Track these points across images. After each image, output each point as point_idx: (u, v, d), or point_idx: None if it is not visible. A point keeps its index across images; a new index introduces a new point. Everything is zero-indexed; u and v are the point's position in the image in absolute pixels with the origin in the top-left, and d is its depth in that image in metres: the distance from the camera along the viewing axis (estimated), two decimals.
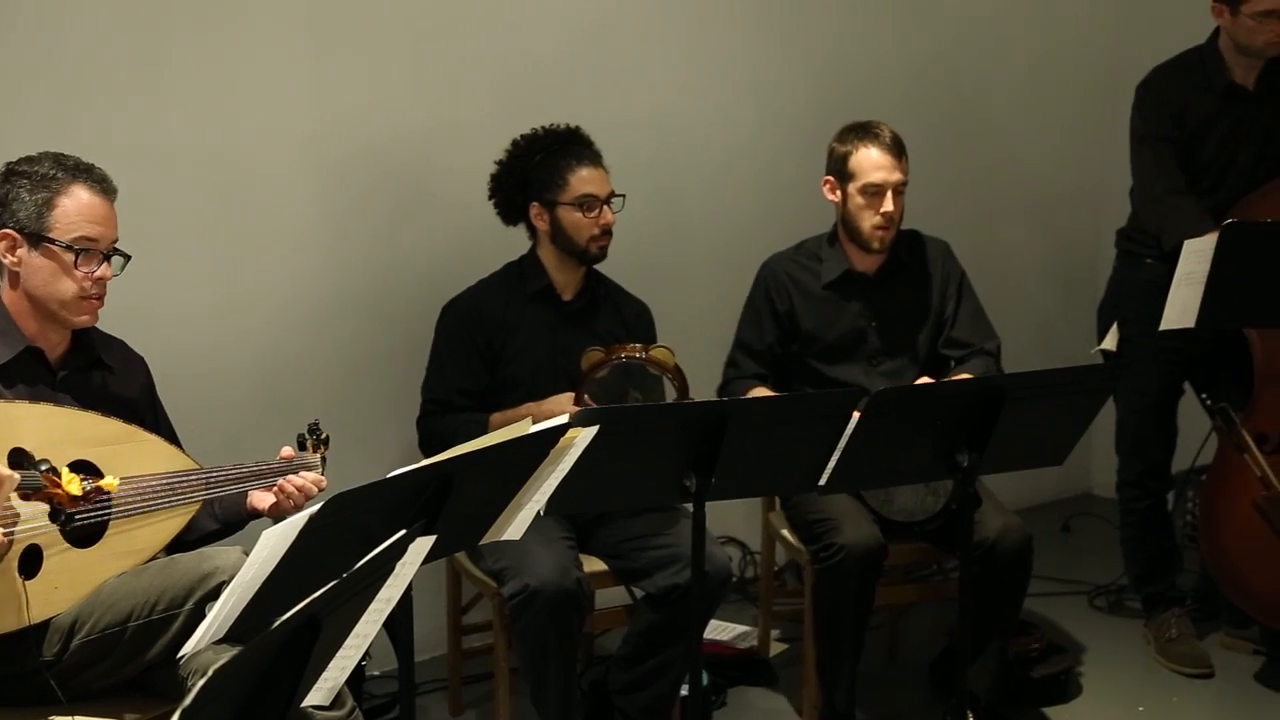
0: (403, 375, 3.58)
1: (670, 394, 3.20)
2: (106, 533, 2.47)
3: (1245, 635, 3.85)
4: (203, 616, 2.18)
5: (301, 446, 2.73)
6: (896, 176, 3.40)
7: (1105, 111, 3.92)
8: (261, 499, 2.67)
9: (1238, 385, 3.64)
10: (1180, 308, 3.06)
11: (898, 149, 3.41)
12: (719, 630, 3.90)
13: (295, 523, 1.97)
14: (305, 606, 1.61)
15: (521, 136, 3.40)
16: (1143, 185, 3.70)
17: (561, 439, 2.38)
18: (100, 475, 2.39)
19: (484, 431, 2.99)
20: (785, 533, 3.53)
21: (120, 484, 2.38)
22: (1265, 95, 3.65)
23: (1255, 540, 3.52)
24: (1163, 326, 3.11)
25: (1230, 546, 3.64)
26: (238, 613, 2.02)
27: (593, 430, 2.44)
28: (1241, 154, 3.66)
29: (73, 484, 2.30)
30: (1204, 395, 3.60)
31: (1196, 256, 3.01)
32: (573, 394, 3.19)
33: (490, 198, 3.42)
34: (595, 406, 3.12)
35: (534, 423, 2.37)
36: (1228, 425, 3.54)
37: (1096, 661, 3.86)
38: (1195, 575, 4.06)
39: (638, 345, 3.23)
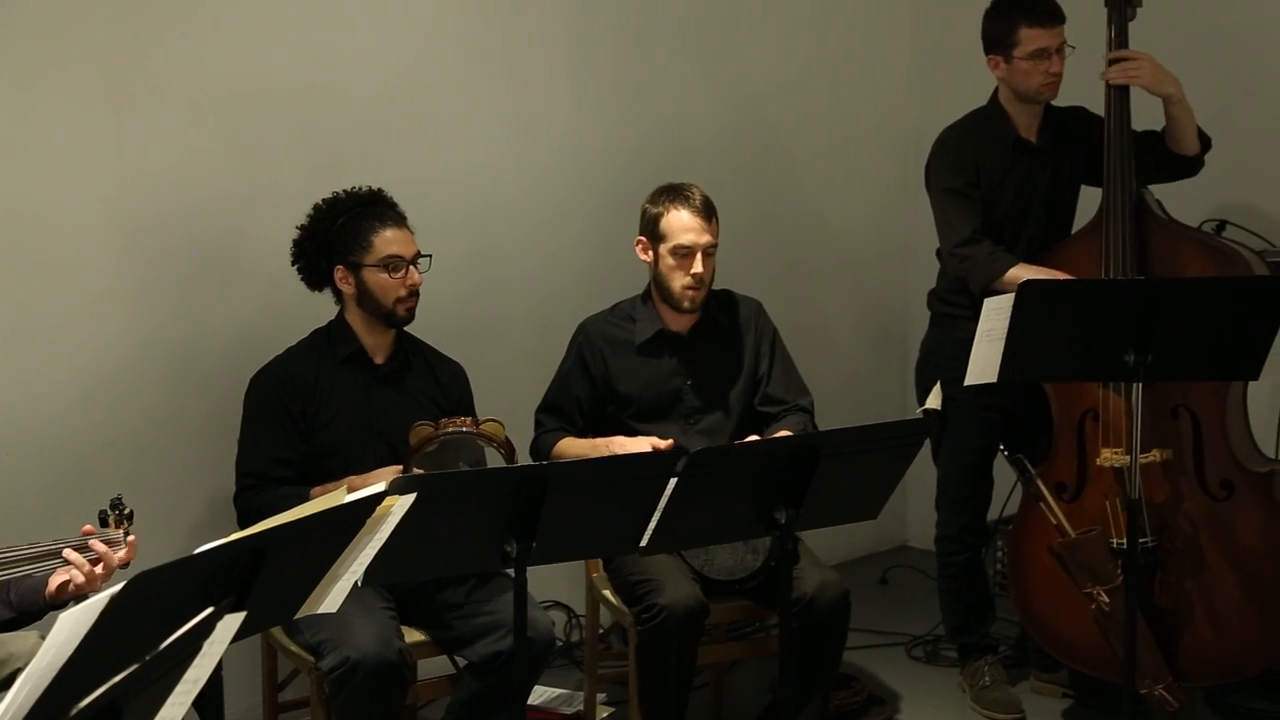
0: (212, 446, 3.47)
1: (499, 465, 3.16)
2: None
3: (1054, 679, 3.96)
4: None
5: (104, 523, 2.60)
6: (706, 239, 3.46)
7: (909, 175, 4.06)
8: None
9: (1046, 437, 3.76)
10: (983, 364, 3.16)
11: (708, 211, 3.47)
12: (544, 695, 3.86)
13: (94, 604, 1.87)
14: (104, 692, 1.54)
15: (324, 200, 3.36)
16: (944, 241, 3.82)
17: (378, 507, 2.34)
18: None
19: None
20: (608, 594, 3.52)
21: None
22: (1047, 147, 3.81)
23: (1057, 586, 3.64)
24: (966, 381, 3.20)
25: (1035, 593, 3.76)
26: (32, 702, 1.91)
27: (410, 497, 2.40)
28: (1034, 205, 3.81)
29: None
30: (1003, 447, 3.71)
31: (996, 314, 3.12)
32: (398, 467, 3.12)
33: (294, 263, 3.36)
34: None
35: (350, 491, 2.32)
36: (1024, 475, 3.66)
37: (915, 711, 3.93)
38: (1007, 623, 4.18)
39: (468, 419, 3.19)
